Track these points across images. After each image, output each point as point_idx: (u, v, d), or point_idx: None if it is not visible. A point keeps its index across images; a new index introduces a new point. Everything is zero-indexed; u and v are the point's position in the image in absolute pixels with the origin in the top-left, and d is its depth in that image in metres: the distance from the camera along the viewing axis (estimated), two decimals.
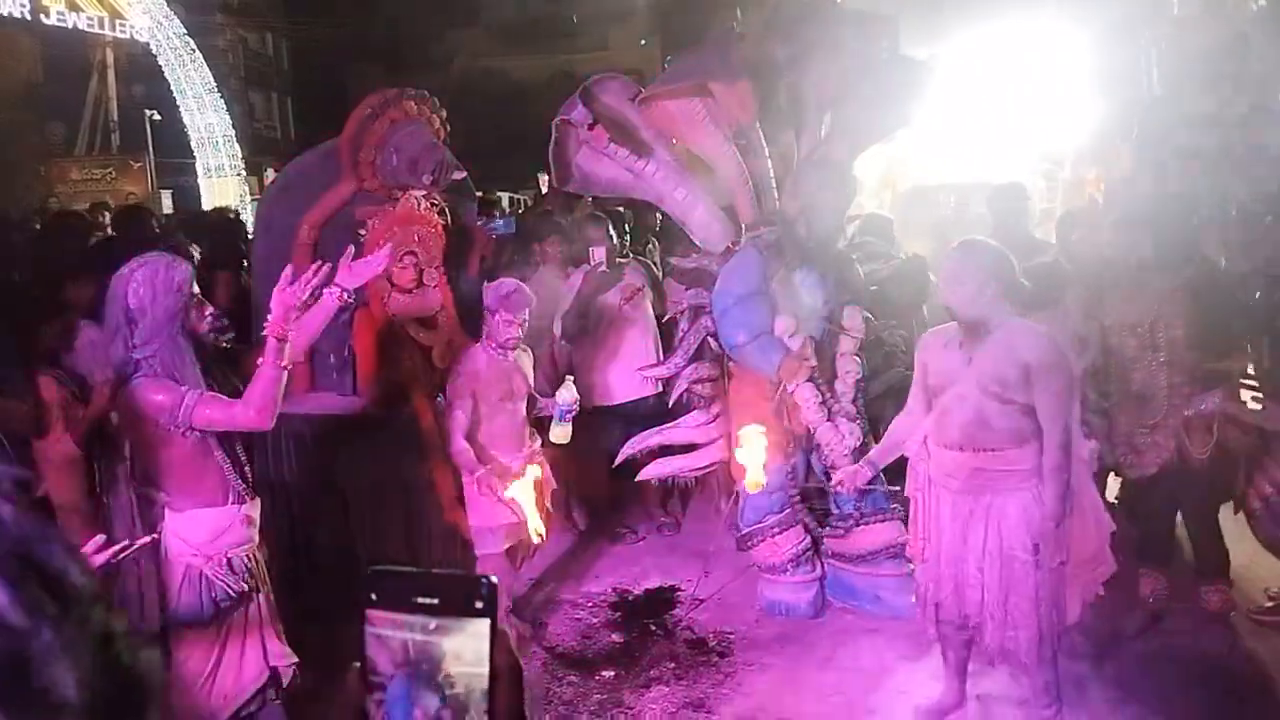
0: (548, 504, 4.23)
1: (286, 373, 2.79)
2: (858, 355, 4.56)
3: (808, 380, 4.33)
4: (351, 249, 3.28)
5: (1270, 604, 4.47)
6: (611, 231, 5.30)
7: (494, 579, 0.81)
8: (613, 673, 4.15)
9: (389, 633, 0.80)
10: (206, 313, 2.92)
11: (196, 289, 2.90)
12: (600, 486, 5.59)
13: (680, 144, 4.70)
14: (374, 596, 0.81)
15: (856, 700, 3.92)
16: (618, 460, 4.85)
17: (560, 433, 4.26)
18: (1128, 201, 4.68)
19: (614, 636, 4.47)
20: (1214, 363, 4.14)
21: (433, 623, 0.79)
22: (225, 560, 2.88)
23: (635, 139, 4.65)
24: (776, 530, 4.59)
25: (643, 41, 28.06)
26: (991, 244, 3.48)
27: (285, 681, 3.04)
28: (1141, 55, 5.07)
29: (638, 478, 4.85)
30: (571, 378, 4.50)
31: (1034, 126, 10.20)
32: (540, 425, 4.46)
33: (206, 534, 2.87)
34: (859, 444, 4.39)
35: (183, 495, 2.87)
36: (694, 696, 3.97)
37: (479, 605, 0.79)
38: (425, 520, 4.76)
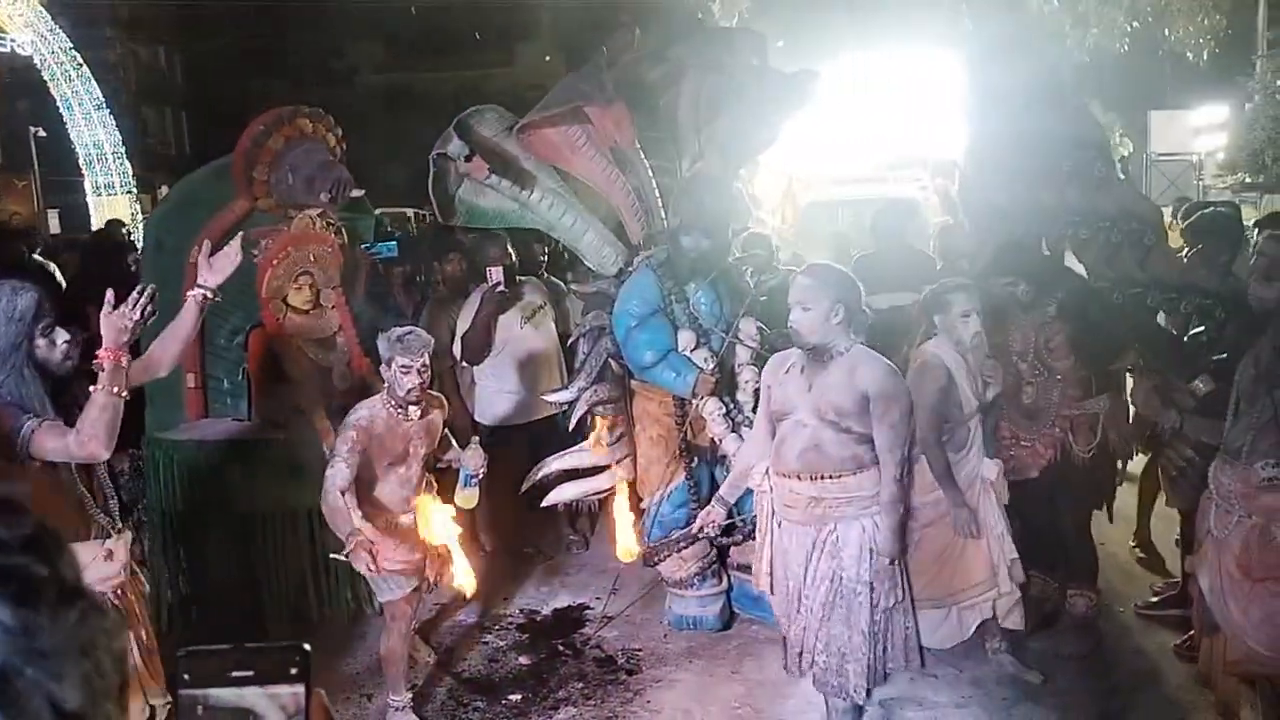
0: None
1: (121, 399, 2.64)
2: (754, 364, 4.61)
3: (711, 394, 4.37)
4: (208, 244, 3.16)
5: (1156, 599, 4.67)
6: (509, 249, 5.27)
7: (306, 647, 0.84)
8: (520, 696, 4.10)
9: (203, 710, 0.82)
10: (60, 341, 2.77)
11: (48, 316, 2.75)
12: (506, 507, 5.54)
13: (564, 169, 4.69)
14: (186, 677, 0.82)
15: (765, 710, 3.95)
16: (523, 488, 4.81)
17: (466, 497, 4.03)
18: (981, 234, 4.86)
19: (521, 659, 4.42)
20: (1102, 368, 4.34)
21: (247, 694, 0.82)
22: None
23: (516, 169, 4.65)
24: (682, 545, 4.60)
25: (547, 57, 28.05)
26: (840, 270, 3.46)
27: None
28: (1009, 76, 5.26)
29: (543, 503, 4.82)
30: (477, 439, 4.26)
31: (925, 141, 10.53)
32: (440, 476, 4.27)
33: None
34: None
35: None
36: (602, 715, 3.95)
37: (293, 672, 0.83)
38: (329, 545, 4.66)
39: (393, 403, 3.65)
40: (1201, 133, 17.44)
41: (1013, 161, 4.77)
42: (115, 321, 2.65)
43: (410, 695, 3.93)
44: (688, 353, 4.38)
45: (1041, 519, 4.34)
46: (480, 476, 3.96)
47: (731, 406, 4.44)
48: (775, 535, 3.51)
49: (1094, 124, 5.01)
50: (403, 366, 3.58)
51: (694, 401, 4.35)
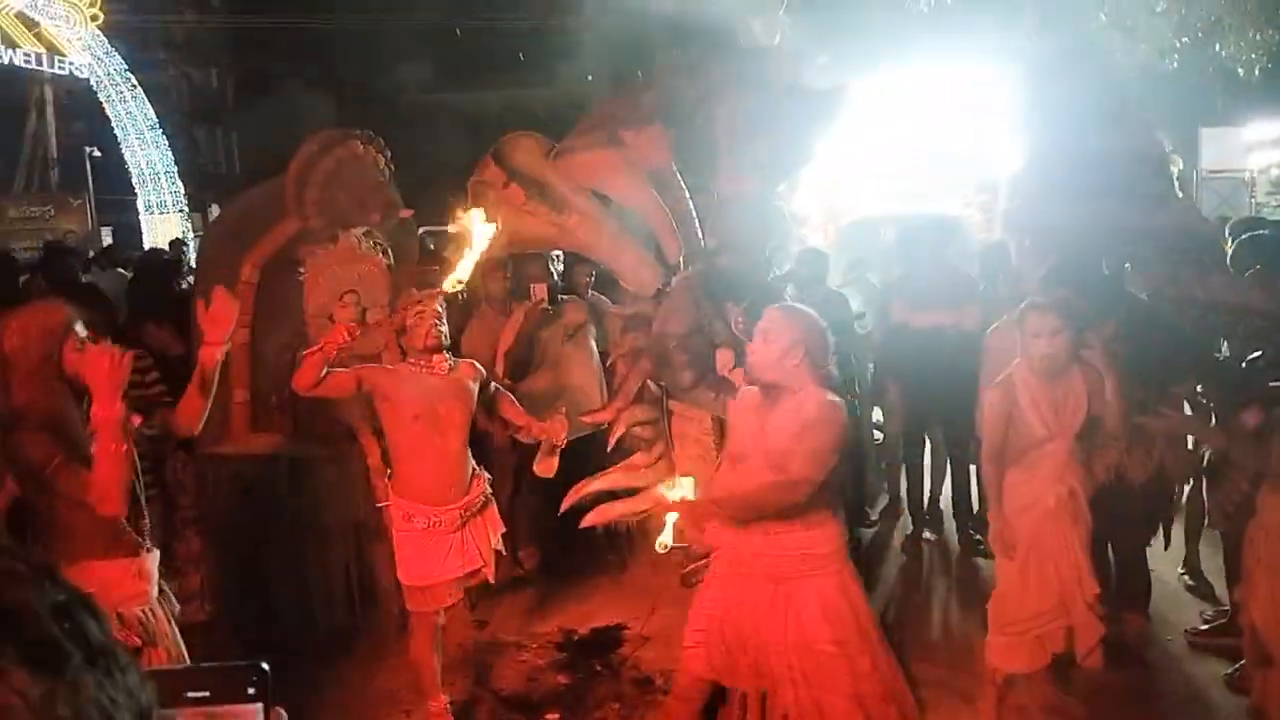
0: (498, 545, 3.99)
1: (125, 452, 2.61)
2: None
3: None
4: (218, 296, 3.15)
5: (1205, 627, 4.58)
6: (550, 267, 5.31)
7: (264, 666, 0.84)
8: (558, 714, 4.11)
9: None
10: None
11: (74, 331, 2.77)
12: (547, 526, 5.56)
13: (601, 193, 4.72)
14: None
15: None
16: (562, 509, 4.83)
17: (546, 466, 4.10)
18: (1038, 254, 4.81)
19: (559, 678, 4.43)
20: (1159, 391, 4.26)
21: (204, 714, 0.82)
22: (115, 615, 2.68)
23: (554, 194, 4.69)
24: None
25: (589, 77, 28.25)
26: (811, 315, 3.28)
27: None
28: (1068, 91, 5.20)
29: (581, 525, 4.83)
30: (564, 412, 4.26)
31: (968, 158, 10.46)
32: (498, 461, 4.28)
33: (94, 588, 2.76)
34: None
35: (71, 547, 2.73)
36: None
37: (251, 692, 0.83)
38: (375, 560, 4.71)
39: (413, 359, 3.60)
40: (1254, 149, 17.12)
41: (1069, 179, 4.72)
42: (111, 376, 2.59)
43: (447, 700, 3.90)
44: (726, 372, 4.37)
45: (1096, 541, 4.28)
46: (561, 445, 3.94)
47: None
48: (719, 589, 3.31)
49: (1153, 140, 4.93)
50: (416, 314, 3.56)
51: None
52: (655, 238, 4.70)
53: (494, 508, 3.93)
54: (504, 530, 3.98)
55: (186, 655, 3.03)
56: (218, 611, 4.75)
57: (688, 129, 4.65)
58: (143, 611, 2.85)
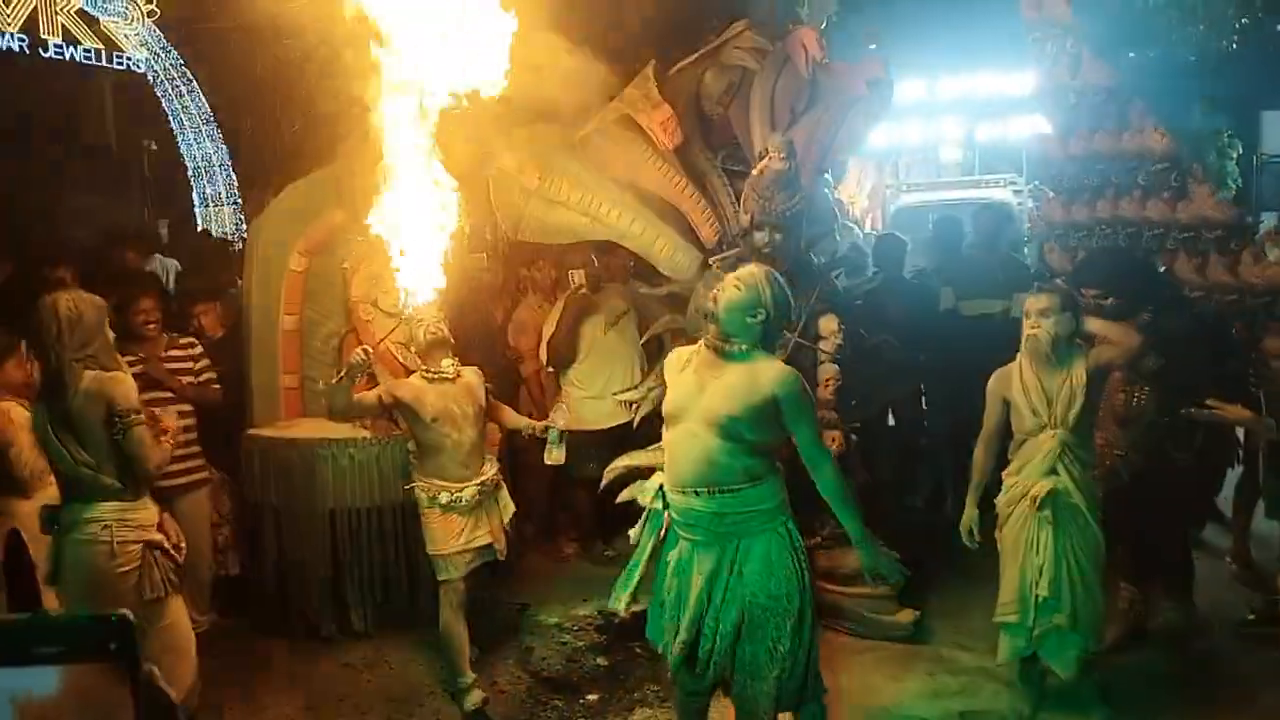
0: (508, 526, 4.17)
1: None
2: (834, 362, 4.58)
3: None
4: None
5: (1252, 617, 4.50)
6: (592, 255, 5.33)
7: (127, 615, 0.72)
8: (597, 696, 4.16)
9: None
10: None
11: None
12: (585, 510, 5.61)
13: (628, 179, 4.74)
14: None
15: (838, 715, 3.91)
16: (600, 486, 4.88)
17: (557, 454, 4.17)
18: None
19: (599, 659, 4.48)
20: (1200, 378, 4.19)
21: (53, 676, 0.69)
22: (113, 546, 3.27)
23: (581, 182, 4.72)
24: None
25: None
26: (782, 284, 3.11)
27: None
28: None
29: (618, 500, 4.88)
30: (564, 404, 4.44)
31: (1020, 143, 10.30)
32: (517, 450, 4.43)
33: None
34: (842, 451, 4.43)
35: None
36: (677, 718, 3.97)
37: (113, 647, 0.72)
38: (415, 540, 4.79)
39: (427, 371, 3.98)
40: None
41: (1095, 177, 4.70)
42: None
43: (474, 677, 4.06)
44: (830, 335, 4.42)
45: (1133, 529, 4.23)
46: (566, 432, 4.12)
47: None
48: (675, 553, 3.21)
49: (1164, 137, 4.89)
50: (415, 324, 3.98)
51: None
52: (686, 222, 4.71)
53: (505, 491, 4.22)
54: (515, 511, 4.25)
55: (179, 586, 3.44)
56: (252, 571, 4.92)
57: (719, 111, 4.65)
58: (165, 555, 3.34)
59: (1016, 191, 10.56)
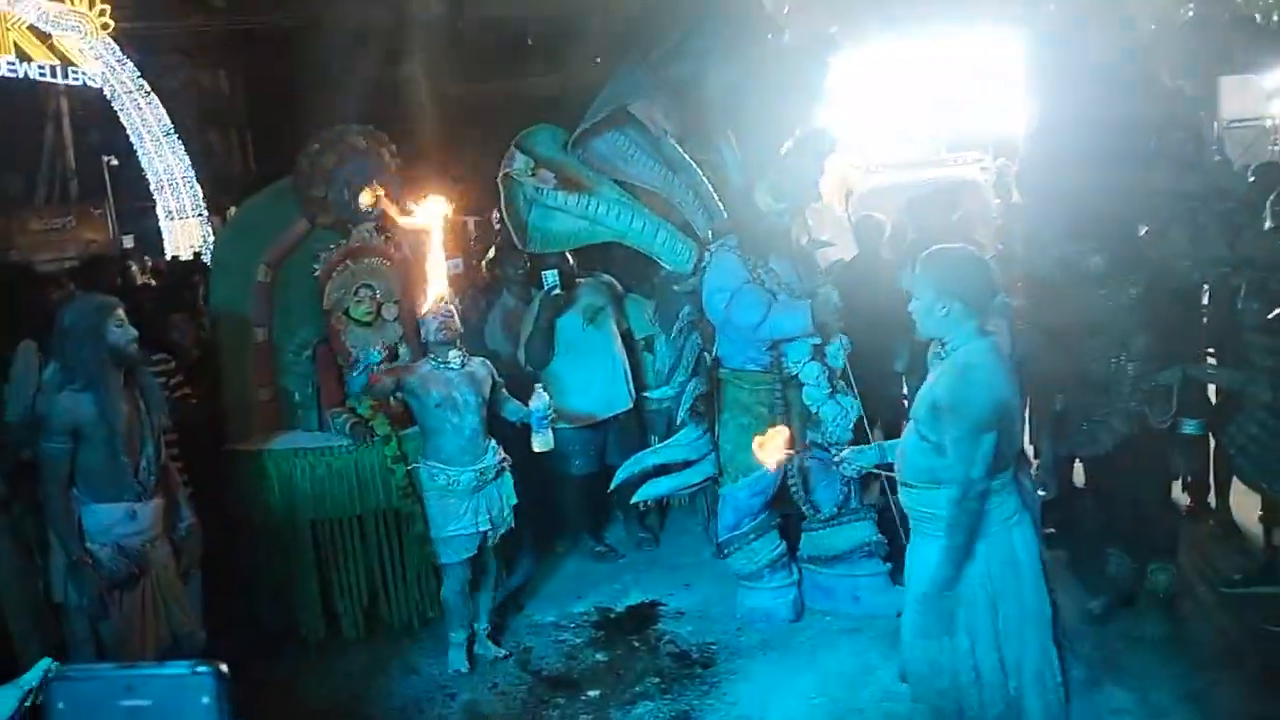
0: (508, 513, 4.43)
1: None
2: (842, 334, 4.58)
3: (811, 360, 4.44)
4: None
5: (1238, 576, 4.56)
6: (566, 254, 5.32)
7: (221, 668, 0.65)
8: (598, 692, 4.16)
9: None
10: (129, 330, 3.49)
11: (114, 312, 3.45)
12: (577, 506, 5.60)
13: (620, 178, 4.73)
14: (61, 706, 0.63)
15: (841, 701, 3.95)
16: (613, 485, 4.91)
17: (543, 440, 4.28)
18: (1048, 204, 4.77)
19: (598, 656, 4.48)
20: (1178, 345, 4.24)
21: None
22: (117, 546, 3.45)
23: (578, 184, 4.71)
24: (753, 536, 4.62)
25: (597, 60, 28.14)
26: (956, 252, 2.96)
27: None
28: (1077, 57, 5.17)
29: (632, 500, 4.90)
30: (541, 385, 4.43)
31: (984, 122, 10.35)
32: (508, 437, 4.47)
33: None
34: (859, 418, 4.48)
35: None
36: (680, 710, 3.98)
37: (205, 701, 0.64)
38: (399, 551, 4.77)
39: (433, 358, 4.26)
40: (1274, 97, 16.83)
41: (1082, 143, 4.68)
42: None
43: (467, 635, 4.41)
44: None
45: (1119, 494, 4.27)
46: (550, 417, 4.30)
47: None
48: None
49: (1187, 106, 4.89)
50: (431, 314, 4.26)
51: (795, 369, 4.45)
52: (683, 215, 4.70)
53: (510, 482, 4.42)
54: (515, 502, 4.43)
55: (183, 590, 3.63)
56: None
57: (685, 105, 4.62)
58: (141, 545, 3.50)
59: (983, 169, 10.59)
